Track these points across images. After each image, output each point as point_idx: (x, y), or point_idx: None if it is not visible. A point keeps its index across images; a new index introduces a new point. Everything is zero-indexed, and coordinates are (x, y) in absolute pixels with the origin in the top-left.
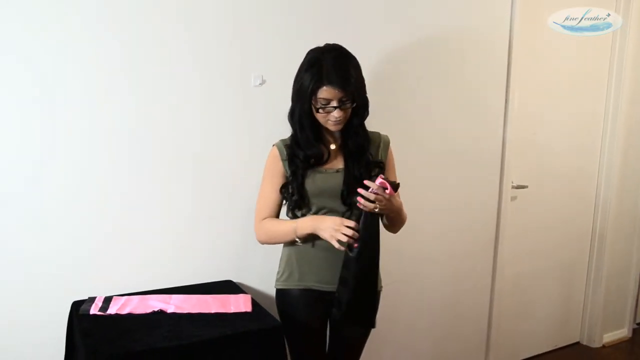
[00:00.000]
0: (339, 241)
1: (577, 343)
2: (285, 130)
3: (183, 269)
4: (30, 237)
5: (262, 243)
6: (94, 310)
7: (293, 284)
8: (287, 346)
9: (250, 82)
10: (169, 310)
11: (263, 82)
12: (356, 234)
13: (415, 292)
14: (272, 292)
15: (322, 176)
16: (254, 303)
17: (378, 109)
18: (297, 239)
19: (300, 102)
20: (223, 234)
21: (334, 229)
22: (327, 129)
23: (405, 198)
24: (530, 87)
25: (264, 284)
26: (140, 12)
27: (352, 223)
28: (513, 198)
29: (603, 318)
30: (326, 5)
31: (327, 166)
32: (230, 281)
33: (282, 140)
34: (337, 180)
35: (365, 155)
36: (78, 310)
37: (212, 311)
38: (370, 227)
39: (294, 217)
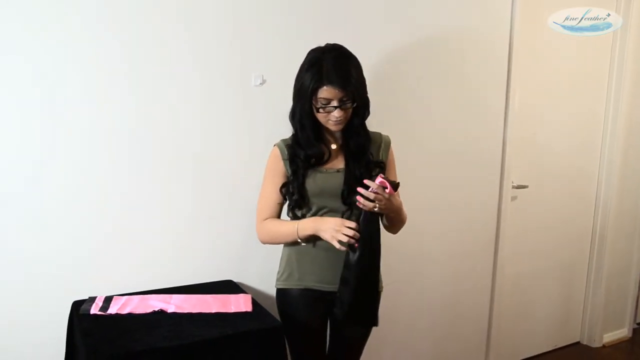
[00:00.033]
0: (340, 241)
1: (577, 343)
2: (285, 130)
3: (183, 269)
4: (30, 237)
5: (264, 243)
6: (95, 310)
7: (293, 284)
8: (287, 346)
9: (251, 82)
10: (170, 310)
11: (263, 82)
12: (357, 234)
13: (415, 292)
14: (273, 292)
15: (322, 176)
16: (255, 303)
17: (378, 109)
18: (299, 240)
19: (301, 102)
20: (223, 234)
21: (335, 230)
22: (327, 128)
23: (405, 198)
24: (530, 87)
25: (264, 284)
26: (140, 12)
27: (352, 224)
28: (513, 198)
29: (603, 318)
30: (326, 5)
31: (328, 166)
32: (230, 281)
33: (283, 140)
34: (338, 180)
35: (366, 155)
36: (78, 310)
37: (213, 311)
38: (371, 226)
39: (294, 216)
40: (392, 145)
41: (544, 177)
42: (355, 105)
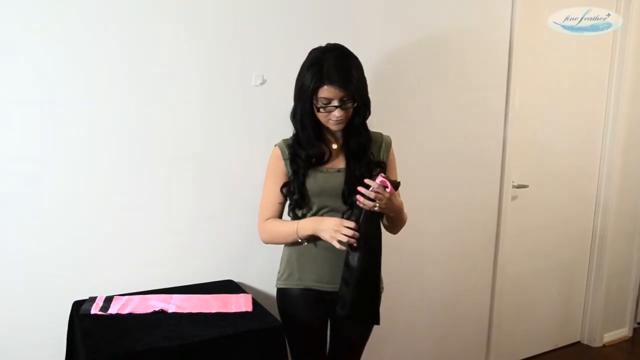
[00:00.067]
0: (340, 241)
1: (578, 342)
2: (285, 130)
3: (183, 269)
4: (30, 237)
5: (266, 243)
6: (95, 310)
7: (293, 284)
8: (287, 346)
9: (251, 81)
10: (170, 310)
11: (264, 81)
12: (356, 233)
13: (415, 292)
14: (273, 291)
15: (323, 175)
16: (255, 303)
17: (378, 109)
18: (300, 240)
19: (302, 102)
20: (223, 234)
21: (334, 230)
22: (328, 128)
23: (406, 198)
24: (530, 87)
25: (264, 284)
26: (140, 12)
27: (351, 223)
28: (513, 198)
29: (604, 317)
30: (326, 5)
31: (329, 165)
32: (230, 281)
33: (284, 140)
34: (338, 180)
35: (366, 155)
36: (79, 310)
37: (213, 311)
38: (371, 226)
39: (295, 216)
40: (392, 145)
41: (544, 177)
42: (356, 105)
